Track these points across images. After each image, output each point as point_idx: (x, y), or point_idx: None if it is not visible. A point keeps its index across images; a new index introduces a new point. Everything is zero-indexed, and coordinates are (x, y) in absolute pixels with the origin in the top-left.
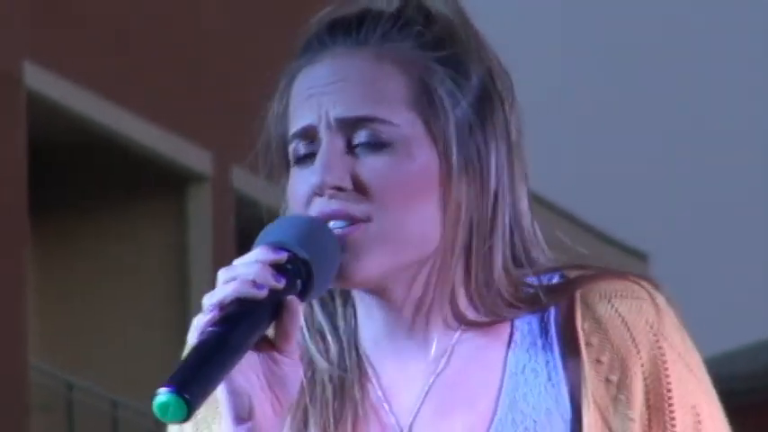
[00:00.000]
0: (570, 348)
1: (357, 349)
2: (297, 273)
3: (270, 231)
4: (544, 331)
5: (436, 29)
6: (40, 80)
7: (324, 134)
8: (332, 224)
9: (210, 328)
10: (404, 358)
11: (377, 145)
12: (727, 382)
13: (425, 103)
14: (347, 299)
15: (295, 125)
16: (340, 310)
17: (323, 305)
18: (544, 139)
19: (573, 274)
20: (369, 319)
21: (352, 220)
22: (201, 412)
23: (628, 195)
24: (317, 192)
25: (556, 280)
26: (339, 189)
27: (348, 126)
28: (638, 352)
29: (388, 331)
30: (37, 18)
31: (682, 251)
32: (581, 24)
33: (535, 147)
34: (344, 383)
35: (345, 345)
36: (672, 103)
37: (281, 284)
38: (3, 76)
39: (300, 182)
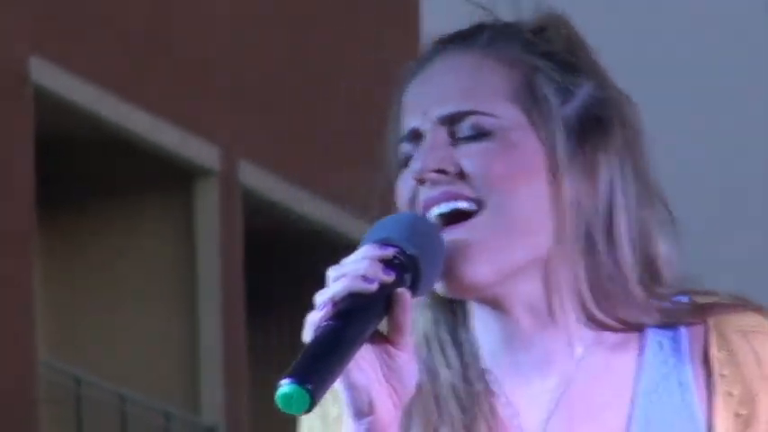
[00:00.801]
0: (702, 374)
1: (479, 364)
2: (405, 267)
3: (376, 229)
4: (676, 351)
5: (548, 38)
6: (47, 75)
7: (427, 132)
8: (436, 213)
9: (325, 323)
10: (524, 373)
11: (478, 135)
12: None
13: (529, 99)
14: (466, 311)
15: (403, 130)
16: (461, 322)
17: (445, 317)
18: None
19: (703, 299)
20: (486, 332)
21: (457, 201)
22: (335, 411)
23: None
24: (419, 177)
25: (685, 301)
26: (441, 172)
27: (450, 121)
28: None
29: (506, 344)
30: (44, 13)
31: (691, 241)
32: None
33: None
34: (470, 397)
35: (469, 358)
36: (682, 101)
37: (391, 278)
38: (9, 72)
39: (404, 181)
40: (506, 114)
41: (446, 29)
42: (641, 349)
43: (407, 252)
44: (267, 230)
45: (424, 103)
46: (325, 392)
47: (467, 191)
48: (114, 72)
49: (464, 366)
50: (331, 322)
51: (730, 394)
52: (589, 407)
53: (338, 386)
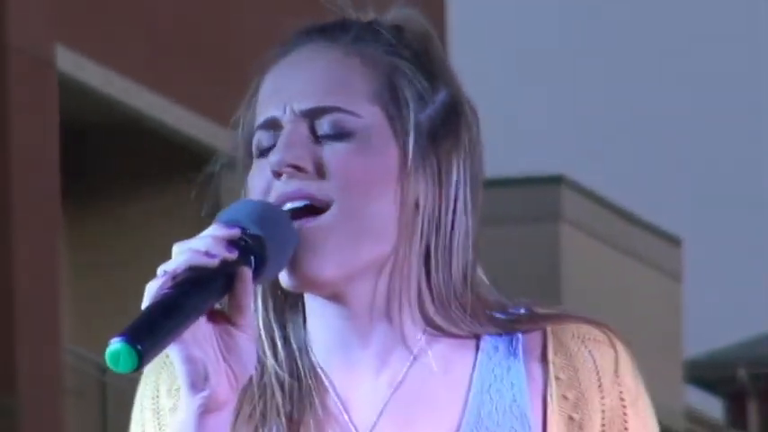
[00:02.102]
0: (537, 378)
1: (309, 358)
2: (250, 249)
3: (224, 212)
4: (511, 355)
5: (408, 40)
6: (72, 64)
7: (287, 123)
8: (288, 207)
9: (163, 291)
10: (358, 370)
11: (339, 134)
12: (765, 364)
13: (389, 99)
14: (298, 306)
15: (260, 119)
16: (290, 317)
17: (276, 311)
18: (575, 124)
19: (543, 310)
20: (322, 328)
21: (310, 200)
22: (170, 403)
23: (662, 179)
24: (276, 170)
25: (523, 311)
26: (298, 169)
27: (311, 116)
28: (603, 398)
29: (341, 340)
30: (68, 2)
31: (715, 236)
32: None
33: (568, 132)
34: (298, 391)
35: (296, 352)
36: (708, 85)
37: (233, 255)
38: (35, 60)
39: (259, 171)
40: (367, 115)
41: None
42: (476, 352)
43: (253, 233)
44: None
45: (285, 93)
46: (154, 355)
47: (320, 193)
48: (140, 61)
49: (292, 359)
50: (169, 291)
51: (565, 398)
52: (422, 406)
53: (175, 360)
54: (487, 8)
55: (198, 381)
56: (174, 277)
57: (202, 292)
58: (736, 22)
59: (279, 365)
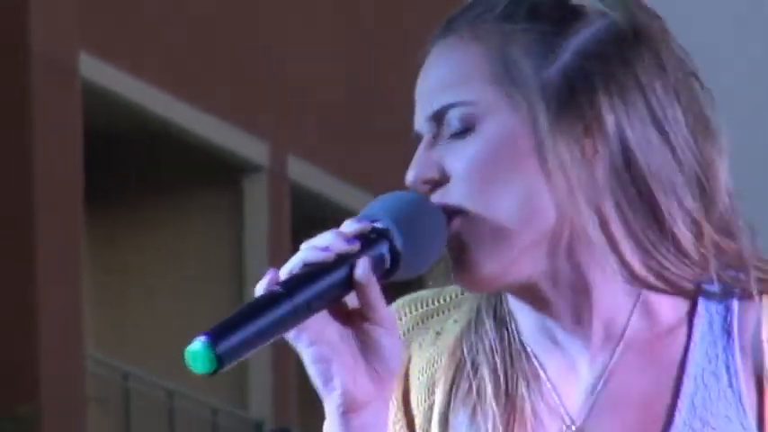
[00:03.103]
0: (753, 358)
1: (519, 338)
2: (377, 240)
3: (369, 204)
4: (725, 332)
5: None
6: (96, 70)
7: (423, 135)
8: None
9: (269, 289)
10: (567, 351)
11: (464, 130)
12: None
13: (505, 75)
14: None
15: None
16: (502, 296)
17: (488, 297)
18: None
19: (761, 272)
20: (523, 312)
21: (449, 212)
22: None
23: None
24: (413, 188)
25: (743, 275)
26: (428, 182)
27: (436, 119)
28: None
29: (543, 324)
30: (92, 8)
31: None
32: None
33: None
34: (510, 367)
35: (507, 330)
36: (720, 84)
37: (353, 247)
38: (58, 66)
39: None
40: (484, 97)
41: None
42: (690, 329)
43: (383, 227)
44: (316, 226)
45: (419, 103)
46: (238, 357)
47: (451, 199)
48: (163, 67)
49: (502, 338)
50: (275, 289)
51: None
52: (634, 390)
53: (304, 360)
54: None
55: (327, 381)
56: (288, 273)
57: (314, 289)
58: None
59: (491, 344)
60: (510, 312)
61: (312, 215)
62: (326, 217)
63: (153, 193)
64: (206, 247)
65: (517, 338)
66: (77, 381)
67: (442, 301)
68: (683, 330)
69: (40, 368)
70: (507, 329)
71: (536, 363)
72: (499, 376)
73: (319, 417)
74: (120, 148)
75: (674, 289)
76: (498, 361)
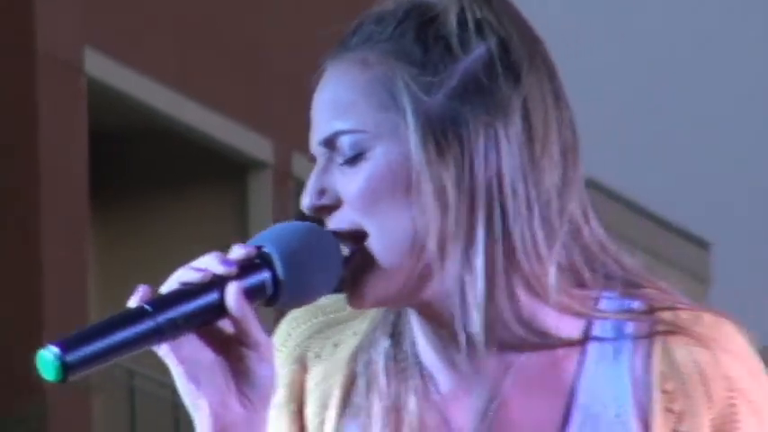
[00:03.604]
0: (642, 388)
1: (416, 351)
2: (260, 266)
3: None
4: (617, 362)
5: (421, 17)
6: (101, 67)
7: (317, 159)
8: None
9: (136, 306)
10: (462, 372)
11: (354, 157)
12: None
13: (390, 102)
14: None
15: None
16: (402, 314)
17: (387, 310)
18: (604, 127)
19: (656, 301)
20: (421, 330)
21: (344, 237)
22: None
23: (691, 183)
24: (308, 214)
25: (637, 305)
26: (322, 208)
27: (327, 145)
28: (710, 408)
29: (437, 342)
30: (97, 6)
31: (744, 240)
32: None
33: (596, 134)
34: (403, 384)
35: (402, 353)
36: (734, 89)
37: (229, 270)
38: (63, 64)
39: None
40: (372, 126)
41: None
42: (582, 356)
43: (266, 251)
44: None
45: (313, 124)
46: (84, 369)
47: (346, 223)
48: (168, 65)
49: (398, 356)
50: (142, 306)
51: (670, 410)
52: (523, 414)
53: (175, 379)
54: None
55: (194, 400)
56: (159, 294)
57: (185, 308)
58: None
59: (383, 356)
60: (409, 329)
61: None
62: None
63: (158, 191)
64: (211, 243)
65: (412, 356)
66: (84, 379)
67: (342, 311)
68: (576, 358)
69: None
70: (403, 346)
71: (430, 381)
72: (390, 393)
73: None
74: (125, 146)
75: (539, 332)
76: (390, 378)
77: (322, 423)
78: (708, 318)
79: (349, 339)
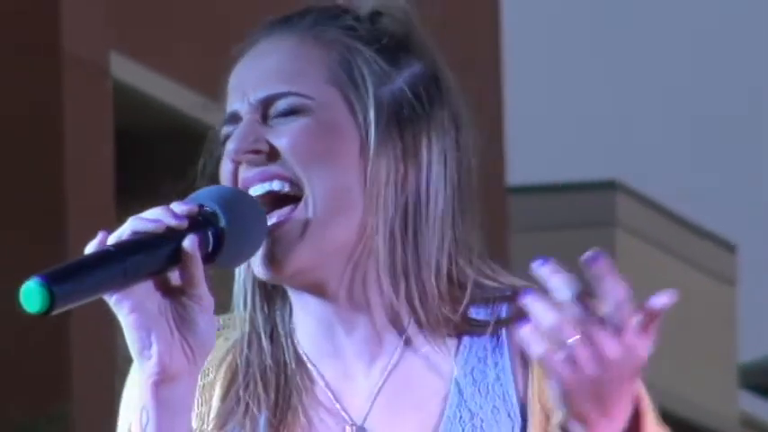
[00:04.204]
0: (520, 358)
1: (295, 348)
2: (204, 223)
3: (192, 194)
4: (495, 336)
5: (377, 22)
6: (127, 70)
7: (245, 115)
8: (253, 193)
9: (99, 248)
10: (346, 357)
11: (291, 113)
12: None
13: (346, 79)
14: (285, 299)
15: (225, 113)
16: (277, 309)
17: (262, 304)
18: (629, 130)
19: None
20: (306, 319)
21: (272, 180)
22: (208, 378)
23: (717, 184)
24: (234, 158)
25: (505, 313)
26: (255, 152)
27: (266, 104)
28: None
29: (326, 329)
30: (123, 8)
31: None
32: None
33: (623, 137)
34: (284, 382)
35: (283, 344)
36: (760, 90)
37: (181, 223)
38: (89, 67)
39: (224, 162)
40: (322, 96)
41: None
42: (459, 344)
43: (209, 210)
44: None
45: (243, 86)
46: (68, 304)
47: (281, 170)
48: (194, 68)
49: (278, 351)
50: (104, 247)
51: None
52: (410, 391)
53: (124, 326)
54: (540, 9)
55: (144, 349)
56: (118, 240)
57: (142, 255)
58: None
59: (262, 357)
60: (290, 328)
61: None
62: None
63: (185, 193)
64: None
65: (293, 352)
66: (110, 381)
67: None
68: (454, 344)
69: (73, 368)
70: (284, 345)
71: (314, 372)
72: (271, 389)
73: None
74: (152, 148)
75: (432, 328)
76: (270, 375)
77: (207, 414)
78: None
79: (221, 344)
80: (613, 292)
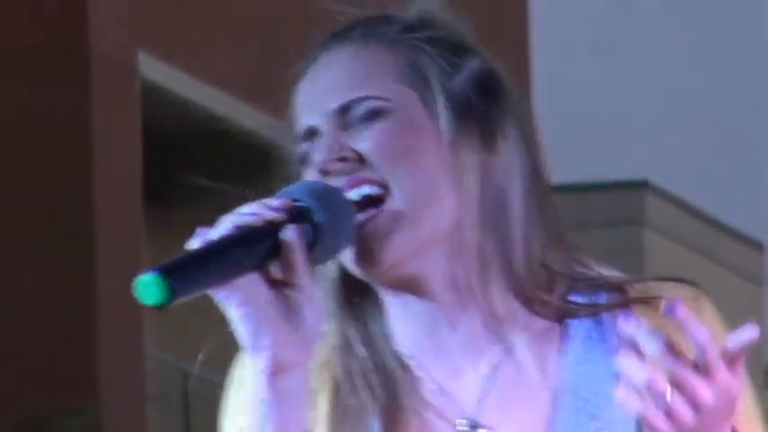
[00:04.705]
0: (626, 342)
1: (393, 349)
2: (300, 216)
3: (284, 189)
4: (598, 324)
5: (426, 23)
6: (155, 69)
7: (323, 127)
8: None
9: (205, 244)
10: (450, 353)
11: (371, 116)
12: None
13: (414, 76)
14: (376, 301)
15: (298, 131)
16: (368, 312)
17: (351, 309)
18: (658, 127)
19: (633, 287)
20: (405, 317)
21: (362, 185)
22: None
23: (746, 183)
24: (323, 168)
25: (604, 300)
26: (342, 160)
27: (343, 112)
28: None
29: (428, 327)
30: (151, 6)
31: None
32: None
33: (650, 136)
34: (388, 384)
35: (381, 346)
36: None
37: (279, 216)
38: (118, 66)
39: (309, 177)
40: (396, 95)
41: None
42: (564, 332)
43: (305, 204)
44: None
45: (314, 100)
46: (186, 295)
47: (369, 174)
48: (223, 67)
49: (376, 353)
50: (210, 243)
51: None
52: (520, 381)
53: (233, 320)
54: (571, 7)
55: (256, 342)
56: (222, 235)
57: (245, 247)
58: None
59: (362, 364)
60: (383, 332)
61: None
62: None
63: (213, 192)
64: None
65: (392, 355)
66: (138, 380)
67: None
68: (557, 331)
69: (101, 366)
70: (380, 349)
71: (419, 371)
72: (378, 394)
73: None
74: (179, 148)
75: (534, 305)
76: (374, 380)
77: (312, 421)
78: (653, 283)
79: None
80: (697, 337)
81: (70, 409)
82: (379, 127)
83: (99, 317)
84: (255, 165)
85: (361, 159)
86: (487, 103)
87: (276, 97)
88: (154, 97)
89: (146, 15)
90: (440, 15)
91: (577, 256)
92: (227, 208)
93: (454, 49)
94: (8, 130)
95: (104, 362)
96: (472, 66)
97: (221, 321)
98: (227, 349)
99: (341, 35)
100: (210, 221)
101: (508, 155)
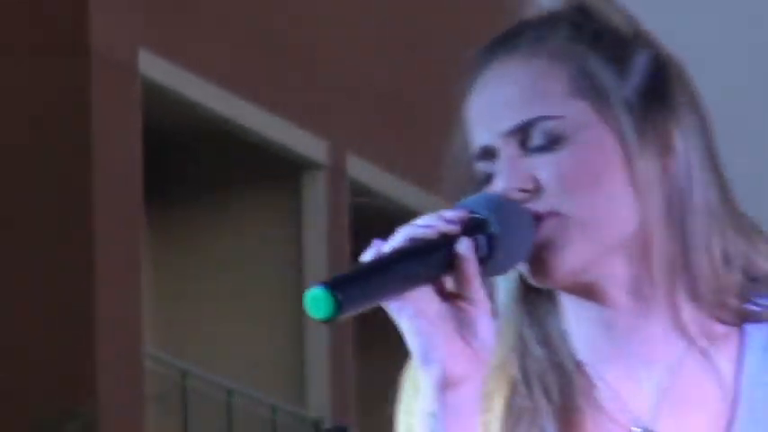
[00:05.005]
0: None
1: (571, 352)
2: (475, 227)
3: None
4: None
5: (588, 17)
6: (156, 68)
7: (501, 149)
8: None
9: (377, 256)
10: (626, 358)
11: (551, 143)
12: None
13: (588, 88)
14: (554, 302)
15: (473, 148)
16: (546, 313)
17: (529, 308)
18: None
19: None
20: (581, 322)
21: (540, 218)
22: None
23: (744, 182)
24: (509, 199)
25: None
26: (523, 191)
27: (519, 133)
28: None
29: (605, 331)
30: (152, 6)
31: None
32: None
33: None
34: (565, 386)
35: (558, 347)
36: None
37: (453, 228)
38: (118, 65)
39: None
40: (571, 112)
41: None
42: (742, 339)
43: (480, 216)
44: (375, 224)
45: (486, 118)
46: (355, 308)
47: (547, 204)
48: (222, 65)
49: (552, 354)
50: (381, 255)
51: None
52: (695, 393)
53: (404, 333)
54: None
55: (427, 354)
56: (395, 247)
57: (419, 259)
58: None
59: (540, 363)
60: (559, 332)
61: (371, 212)
62: (386, 215)
63: (213, 192)
64: (265, 245)
65: (568, 355)
66: (136, 379)
67: None
68: (735, 337)
69: (100, 367)
70: (556, 349)
71: (593, 374)
72: (554, 394)
73: (377, 414)
74: (179, 147)
75: (717, 310)
76: (551, 380)
77: (485, 424)
78: None
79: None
80: None
81: (70, 412)
82: (558, 156)
83: (98, 317)
84: (256, 163)
85: (538, 189)
86: (663, 100)
87: (280, 97)
88: (154, 96)
89: (146, 15)
90: (598, 2)
91: (759, 247)
92: (227, 207)
93: (620, 43)
94: (8, 130)
95: (104, 362)
96: (642, 60)
97: (220, 321)
98: (224, 348)
99: (507, 43)
100: (210, 221)
101: (687, 150)
